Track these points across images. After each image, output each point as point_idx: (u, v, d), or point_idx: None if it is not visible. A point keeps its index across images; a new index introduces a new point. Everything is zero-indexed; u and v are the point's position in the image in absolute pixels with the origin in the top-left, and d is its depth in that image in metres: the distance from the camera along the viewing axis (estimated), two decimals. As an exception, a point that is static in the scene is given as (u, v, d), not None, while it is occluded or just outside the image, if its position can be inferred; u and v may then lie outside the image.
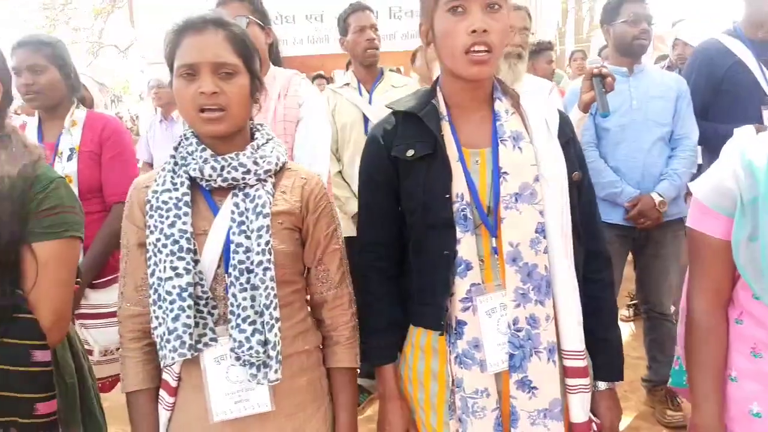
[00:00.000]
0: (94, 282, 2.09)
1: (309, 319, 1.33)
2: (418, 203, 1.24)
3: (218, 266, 1.21)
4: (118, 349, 1.97)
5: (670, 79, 2.52)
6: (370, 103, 2.69)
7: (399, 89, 2.71)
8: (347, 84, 2.77)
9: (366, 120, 2.67)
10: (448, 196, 1.20)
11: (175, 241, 1.17)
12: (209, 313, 1.20)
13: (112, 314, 2.00)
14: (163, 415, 1.25)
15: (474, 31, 1.13)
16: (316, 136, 2.06)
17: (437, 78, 1.32)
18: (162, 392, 1.26)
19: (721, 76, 2.57)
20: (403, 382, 1.38)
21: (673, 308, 2.72)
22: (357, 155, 2.65)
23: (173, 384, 1.24)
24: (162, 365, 1.23)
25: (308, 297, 1.36)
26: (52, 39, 2.10)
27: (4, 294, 1.18)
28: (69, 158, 2.05)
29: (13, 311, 1.20)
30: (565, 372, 1.27)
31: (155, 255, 1.19)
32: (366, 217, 1.37)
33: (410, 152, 1.24)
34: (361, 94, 2.72)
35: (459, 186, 1.21)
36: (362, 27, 2.66)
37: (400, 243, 1.34)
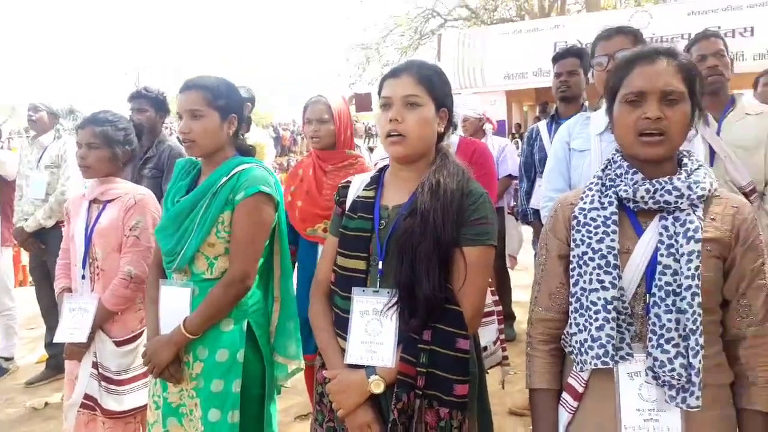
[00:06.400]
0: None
1: (722, 354, 1.29)
2: None
3: (639, 285, 1.26)
4: None
5: None
6: (718, 133, 2.46)
7: (755, 117, 2.45)
8: None
9: (711, 152, 2.45)
10: None
11: (603, 256, 1.25)
12: (626, 329, 1.25)
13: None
14: (564, 416, 1.34)
15: None
16: None
17: None
18: (566, 395, 1.35)
19: None
20: None
21: None
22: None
23: (579, 390, 1.32)
24: (576, 370, 1.31)
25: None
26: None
27: (440, 287, 1.40)
28: None
29: (444, 302, 1.41)
30: None
31: (580, 267, 1.29)
32: None
33: None
34: (707, 123, 2.51)
35: None
36: (703, 56, 2.51)
37: None
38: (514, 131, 10.94)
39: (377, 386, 1.42)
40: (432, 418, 1.39)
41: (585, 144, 2.05)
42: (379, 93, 1.55)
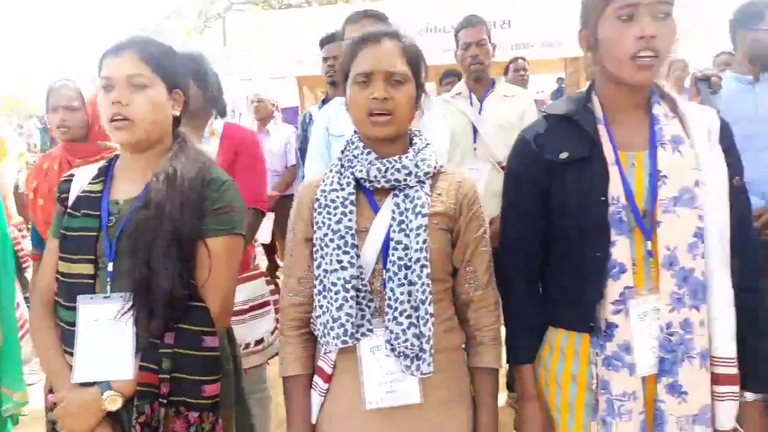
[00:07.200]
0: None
1: (454, 318, 1.37)
2: (570, 205, 1.27)
3: (377, 262, 1.29)
4: (239, 346, 2.11)
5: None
6: (480, 112, 2.73)
7: (510, 99, 2.74)
8: (459, 93, 2.82)
9: (475, 130, 2.70)
10: (603, 198, 1.22)
11: (341, 237, 1.26)
12: (366, 305, 1.28)
13: (237, 312, 2.13)
14: (316, 400, 1.33)
15: (642, 37, 1.15)
16: (436, 144, 2.13)
17: (591, 82, 1.35)
18: (317, 379, 1.34)
19: None
20: (539, 384, 1.40)
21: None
22: (463, 164, 2.70)
23: (328, 371, 1.32)
24: (322, 352, 1.31)
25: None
26: (197, 54, 2.24)
27: (182, 284, 1.30)
28: None
29: (187, 299, 1.32)
30: (715, 379, 1.26)
31: (322, 249, 1.28)
32: (511, 219, 1.41)
33: (564, 154, 1.27)
34: (471, 104, 2.75)
35: (615, 189, 1.23)
36: (468, 43, 2.73)
37: (543, 244, 1.37)
38: (308, 117, 10.97)
39: (113, 402, 1.28)
40: (181, 425, 1.29)
41: (342, 128, 2.07)
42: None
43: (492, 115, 2.70)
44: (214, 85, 2.24)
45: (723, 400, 1.26)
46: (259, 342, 2.21)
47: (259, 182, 2.21)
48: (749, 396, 1.30)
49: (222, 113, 2.35)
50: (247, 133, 2.32)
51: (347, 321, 1.23)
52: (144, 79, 1.35)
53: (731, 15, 2.44)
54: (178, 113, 1.45)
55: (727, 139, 1.28)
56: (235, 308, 2.11)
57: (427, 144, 1.38)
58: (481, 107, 2.74)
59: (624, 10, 1.17)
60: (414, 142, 1.37)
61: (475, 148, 2.70)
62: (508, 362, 1.42)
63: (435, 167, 1.34)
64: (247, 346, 2.18)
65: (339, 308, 1.24)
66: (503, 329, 1.42)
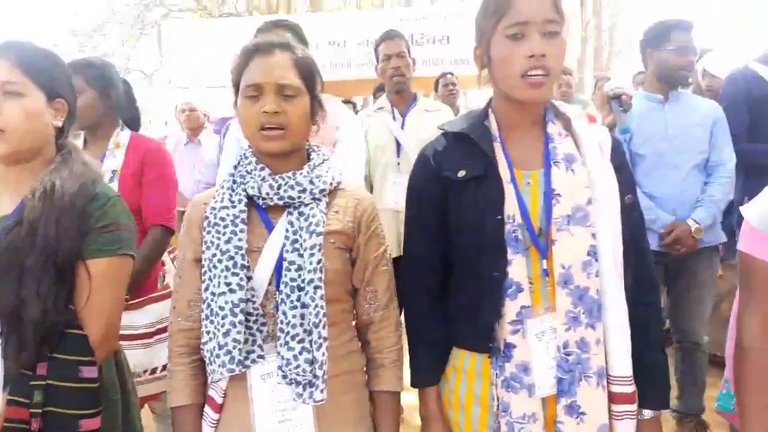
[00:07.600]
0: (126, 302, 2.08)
1: (355, 340, 1.33)
2: (467, 223, 1.24)
3: (270, 283, 1.23)
4: (145, 371, 2.00)
5: (706, 106, 2.52)
6: (402, 127, 2.71)
7: (432, 114, 2.74)
8: (381, 108, 2.80)
9: (398, 144, 2.69)
10: (500, 217, 1.20)
11: (230, 257, 1.19)
12: (258, 330, 1.21)
13: (142, 335, 2.01)
14: (207, 431, 1.25)
15: (532, 56, 1.14)
16: (352, 159, 2.09)
17: (489, 100, 1.33)
18: (207, 408, 1.26)
19: (760, 100, 2.71)
20: (443, 406, 1.37)
21: (706, 338, 2.66)
22: (387, 178, 2.69)
23: (219, 401, 1.25)
24: (210, 381, 1.23)
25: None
26: (99, 62, 2.12)
27: (57, 310, 1.19)
28: (110, 180, 2.04)
29: (64, 327, 1.21)
30: (612, 398, 1.25)
31: (210, 270, 1.21)
32: (413, 236, 1.37)
33: (461, 173, 1.25)
34: (394, 118, 2.74)
35: (510, 207, 1.21)
36: (388, 55, 2.72)
37: (445, 262, 1.34)
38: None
39: None
40: None
41: None
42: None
43: (414, 129, 2.69)
44: (120, 94, 2.12)
45: (621, 419, 1.25)
46: (166, 367, 2.08)
47: (166, 197, 2.10)
48: (647, 413, 1.31)
49: (131, 124, 2.22)
50: (154, 144, 2.19)
51: (234, 347, 1.16)
52: (17, 86, 1.25)
53: (641, 35, 2.53)
54: (60, 123, 1.35)
55: (618, 157, 1.28)
56: (141, 331, 2.00)
57: (324, 160, 1.33)
58: (403, 122, 2.73)
59: (513, 28, 1.16)
60: (311, 157, 1.32)
61: (398, 162, 2.68)
62: (412, 384, 1.37)
63: (332, 184, 1.29)
64: (154, 371, 2.05)
65: (226, 334, 1.16)
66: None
